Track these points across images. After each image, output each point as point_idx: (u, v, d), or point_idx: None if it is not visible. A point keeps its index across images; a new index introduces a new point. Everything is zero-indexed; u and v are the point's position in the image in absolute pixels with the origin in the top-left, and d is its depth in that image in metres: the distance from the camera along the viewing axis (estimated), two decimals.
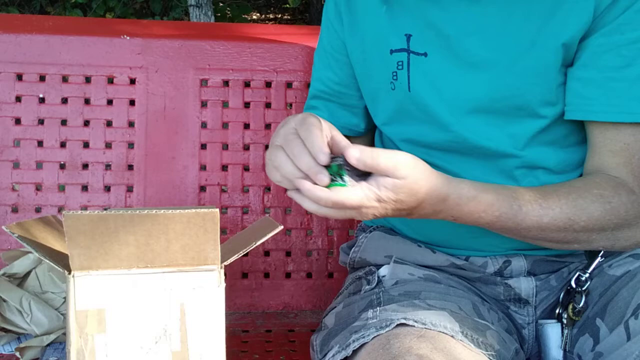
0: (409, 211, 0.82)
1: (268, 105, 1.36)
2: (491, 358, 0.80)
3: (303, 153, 0.76)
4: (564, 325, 0.96)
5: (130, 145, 1.32)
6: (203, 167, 1.34)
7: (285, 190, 0.75)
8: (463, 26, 0.93)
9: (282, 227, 0.86)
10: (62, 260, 0.79)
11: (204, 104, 1.34)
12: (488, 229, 0.89)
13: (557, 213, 0.87)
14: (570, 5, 0.89)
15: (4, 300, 1.10)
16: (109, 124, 1.32)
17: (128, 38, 1.34)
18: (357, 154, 0.75)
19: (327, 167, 0.76)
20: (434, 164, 0.95)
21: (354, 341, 0.83)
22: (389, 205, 0.79)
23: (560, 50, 0.90)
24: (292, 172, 0.77)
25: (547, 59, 0.91)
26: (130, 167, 1.32)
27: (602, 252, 0.97)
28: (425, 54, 0.96)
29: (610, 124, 0.91)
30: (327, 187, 0.76)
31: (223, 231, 1.33)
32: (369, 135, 1.17)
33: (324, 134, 0.78)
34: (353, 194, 0.76)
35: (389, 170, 0.76)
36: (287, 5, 5.50)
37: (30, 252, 1.17)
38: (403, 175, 0.77)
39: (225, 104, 1.35)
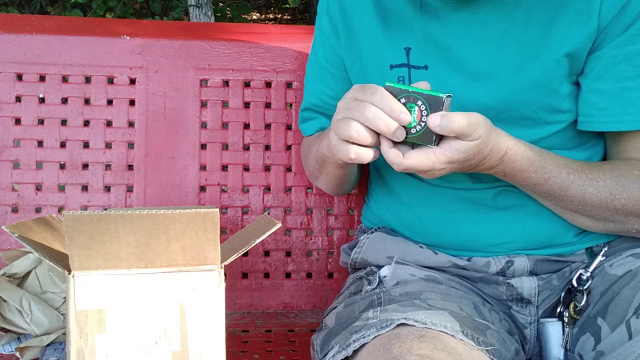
0: (470, 168, 0.85)
1: (268, 105, 1.36)
2: (492, 357, 0.80)
3: (377, 114, 0.79)
4: (565, 324, 0.96)
5: (130, 145, 1.32)
6: (203, 167, 1.34)
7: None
8: (462, 37, 0.94)
9: (280, 224, 0.86)
10: (62, 260, 0.79)
11: (204, 104, 1.34)
12: (533, 190, 0.92)
13: (601, 186, 0.90)
14: (572, 17, 0.89)
15: (4, 300, 1.10)
16: (109, 124, 1.32)
17: (128, 38, 1.34)
18: (439, 120, 0.78)
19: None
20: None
21: (354, 341, 0.83)
22: (456, 165, 0.82)
23: (564, 60, 0.91)
24: (365, 136, 0.81)
25: (550, 69, 0.91)
26: (130, 167, 1.32)
27: (604, 251, 0.98)
28: (425, 67, 0.96)
29: (630, 132, 0.93)
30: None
31: (223, 231, 1.33)
32: None
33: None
34: (425, 159, 0.80)
35: (467, 133, 0.79)
36: (287, 5, 5.49)
37: (30, 252, 1.17)
38: (478, 136, 0.80)
39: (225, 104, 1.35)
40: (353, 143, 0.82)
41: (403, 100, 0.80)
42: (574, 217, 0.95)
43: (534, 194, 0.94)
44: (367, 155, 0.82)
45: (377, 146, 0.83)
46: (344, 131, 0.81)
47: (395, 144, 0.82)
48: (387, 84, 0.81)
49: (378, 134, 0.81)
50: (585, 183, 0.90)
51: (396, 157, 0.80)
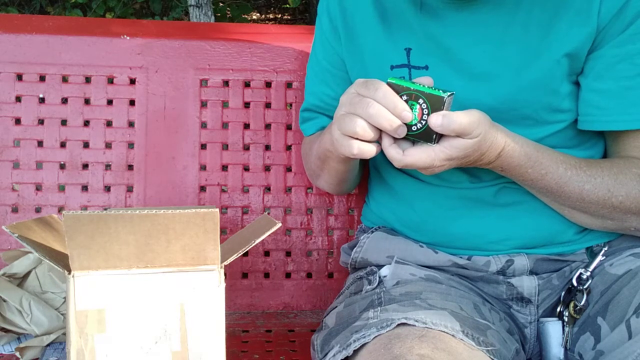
0: (469, 163, 0.86)
1: (268, 105, 1.36)
2: (492, 357, 0.80)
3: (380, 111, 0.80)
4: (565, 324, 0.96)
5: (130, 145, 1.32)
6: (203, 167, 1.34)
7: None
8: (463, 38, 0.94)
9: (280, 224, 0.86)
10: (62, 260, 0.79)
11: (204, 104, 1.34)
12: (531, 186, 0.92)
13: (599, 183, 0.90)
14: (572, 17, 0.89)
15: (4, 300, 1.10)
16: (109, 124, 1.32)
17: (128, 38, 1.34)
18: (440, 120, 0.79)
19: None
20: (439, 175, 0.95)
21: (354, 341, 0.83)
22: (455, 162, 0.83)
23: (564, 60, 0.91)
24: (369, 133, 0.82)
25: (550, 69, 0.91)
26: (130, 167, 1.32)
27: (604, 251, 0.98)
28: (426, 67, 0.97)
29: (630, 131, 0.93)
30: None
31: (223, 231, 1.33)
32: None
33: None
34: (425, 156, 0.81)
35: (468, 132, 0.80)
36: (287, 5, 5.49)
37: (30, 252, 1.17)
38: (478, 134, 0.81)
39: (225, 104, 1.35)
40: (356, 138, 0.83)
41: (405, 98, 0.81)
42: (572, 213, 0.95)
43: (532, 190, 0.94)
44: (369, 151, 0.84)
45: (378, 141, 0.84)
46: (348, 127, 0.82)
47: (396, 140, 0.83)
48: (389, 79, 0.82)
49: (379, 130, 0.82)
50: (583, 179, 0.90)
51: (396, 154, 0.82)
